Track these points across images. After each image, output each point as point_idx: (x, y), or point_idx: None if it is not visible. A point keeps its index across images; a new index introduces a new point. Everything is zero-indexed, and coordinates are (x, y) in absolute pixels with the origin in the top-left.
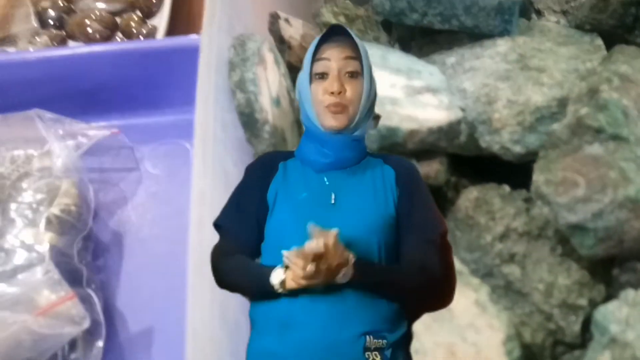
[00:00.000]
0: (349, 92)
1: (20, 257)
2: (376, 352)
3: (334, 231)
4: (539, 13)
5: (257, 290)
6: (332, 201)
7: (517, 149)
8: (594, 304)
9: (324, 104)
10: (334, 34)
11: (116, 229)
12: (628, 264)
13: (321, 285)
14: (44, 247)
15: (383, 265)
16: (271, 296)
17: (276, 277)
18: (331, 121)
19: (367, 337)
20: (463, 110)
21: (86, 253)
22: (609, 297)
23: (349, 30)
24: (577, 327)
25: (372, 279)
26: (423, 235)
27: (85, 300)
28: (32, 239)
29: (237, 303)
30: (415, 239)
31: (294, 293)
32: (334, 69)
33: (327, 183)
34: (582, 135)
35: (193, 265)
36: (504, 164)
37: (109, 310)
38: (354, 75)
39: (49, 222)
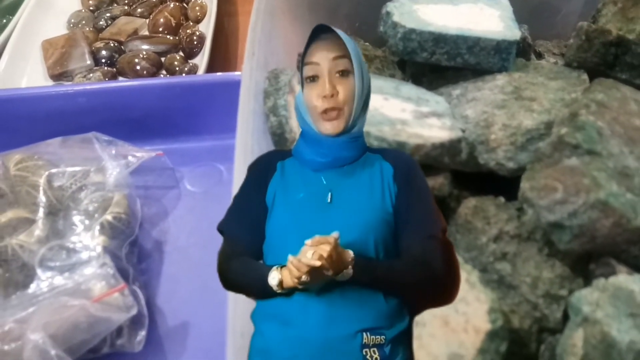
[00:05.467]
0: (342, 92)
1: (79, 255)
2: (374, 349)
3: (332, 238)
4: (539, 55)
5: (258, 290)
6: (329, 200)
7: (511, 165)
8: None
9: (318, 109)
10: (320, 33)
11: (158, 238)
12: (602, 259)
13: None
14: (98, 248)
15: (384, 261)
16: (272, 296)
17: (273, 277)
18: (327, 128)
19: (365, 334)
20: (463, 131)
21: (132, 256)
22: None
23: (334, 29)
24: (559, 315)
25: (373, 276)
26: (424, 231)
27: (133, 295)
28: (89, 240)
29: None
30: (415, 235)
31: (291, 292)
32: (324, 71)
33: (324, 182)
34: (562, 151)
35: None
36: (501, 179)
37: (150, 306)
38: (344, 73)
39: (102, 227)
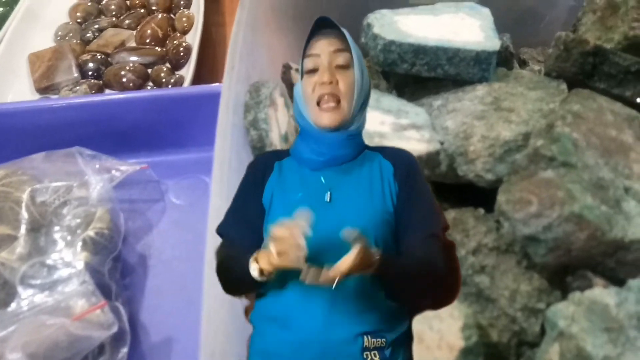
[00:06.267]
0: (341, 83)
1: (60, 272)
2: (375, 352)
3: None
4: (524, 62)
5: (251, 287)
6: (328, 199)
7: (489, 176)
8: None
9: (315, 99)
10: (322, 27)
11: (142, 252)
12: (579, 272)
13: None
14: (80, 264)
15: (401, 259)
16: (264, 289)
17: (253, 269)
18: (325, 120)
19: (365, 337)
20: (442, 143)
21: (115, 272)
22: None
23: (336, 22)
24: (537, 328)
25: (393, 271)
26: (425, 230)
27: (114, 312)
28: (70, 256)
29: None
30: (418, 234)
31: (291, 293)
32: (324, 62)
33: (323, 182)
34: (538, 163)
35: (208, 282)
36: (480, 191)
37: (133, 322)
38: (344, 67)
39: (84, 243)
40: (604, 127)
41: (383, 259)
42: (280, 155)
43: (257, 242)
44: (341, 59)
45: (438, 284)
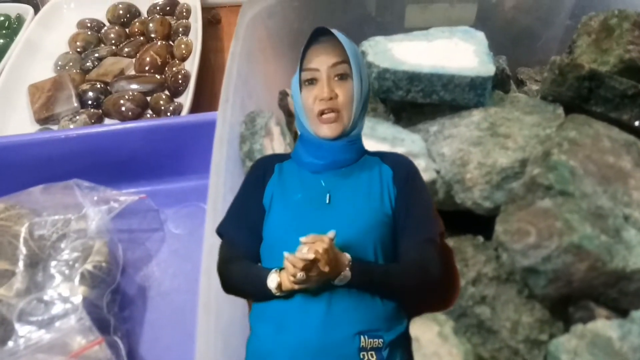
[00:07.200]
0: (341, 96)
1: (57, 308)
2: (372, 352)
3: (327, 237)
4: (522, 82)
5: (257, 293)
6: (327, 201)
7: (487, 204)
8: (552, 339)
9: (315, 111)
10: (319, 36)
11: (141, 283)
12: (581, 303)
13: (315, 286)
14: (77, 299)
15: (381, 265)
16: (271, 298)
17: (272, 280)
18: (325, 131)
19: (362, 337)
20: (438, 172)
21: (114, 305)
22: (566, 332)
23: (334, 32)
24: None
25: (370, 279)
26: (422, 235)
27: (112, 347)
28: (67, 291)
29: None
30: (413, 238)
31: (290, 294)
32: (322, 75)
33: (323, 184)
34: (535, 192)
35: (203, 307)
36: (478, 217)
37: (133, 355)
38: (343, 77)
39: (82, 277)
40: (602, 153)
41: (355, 264)
42: (281, 158)
43: (257, 242)
44: (340, 71)
45: (432, 289)
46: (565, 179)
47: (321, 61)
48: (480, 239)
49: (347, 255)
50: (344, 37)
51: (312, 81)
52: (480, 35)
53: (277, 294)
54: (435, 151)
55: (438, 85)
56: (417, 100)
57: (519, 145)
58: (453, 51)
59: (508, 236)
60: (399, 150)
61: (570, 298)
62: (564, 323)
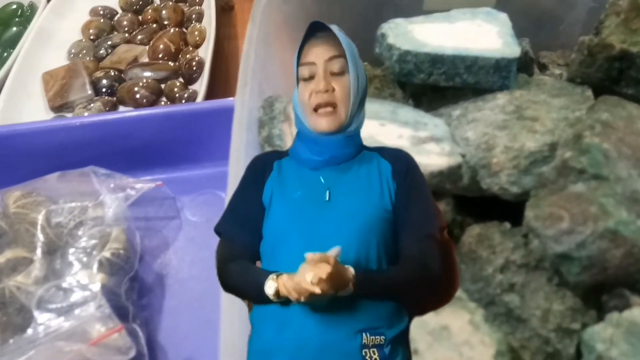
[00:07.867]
0: (337, 90)
1: (76, 295)
2: (374, 349)
3: (333, 257)
4: (544, 67)
5: (255, 296)
6: (327, 198)
7: (514, 189)
8: (586, 328)
9: (311, 105)
10: (316, 31)
11: (159, 271)
12: (615, 290)
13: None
14: (96, 286)
15: (384, 273)
16: (269, 302)
17: (269, 287)
18: (322, 125)
19: (364, 334)
20: (463, 156)
21: (132, 292)
22: (599, 321)
23: (330, 27)
24: (572, 350)
25: (373, 290)
26: (421, 230)
27: (131, 334)
28: (86, 279)
29: None
30: (413, 235)
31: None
32: (319, 70)
33: (322, 181)
34: (567, 176)
35: (225, 306)
36: (505, 203)
37: (152, 343)
38: (340, 72)
39: (100, 264)
40: (635, 136)
41: (359, 277)
42: (279, 155)
43: (256, 240)
44: (336, 65)
45: (432, 286)
46: (598, 162)
47: (317, 55)
48: (507, 225)
49: (351, 270)
50: (340, 32)
51: (309, 78)
52: (504, 17)
53: (275, 300)
54: (458, 135)
55: (461, 68)
56: (439, 84)
57: (548, 128)
58: (476, 33)
59: (539, 222)
60: (422, 134)
61: (604, 285)
62: (596, 311)
